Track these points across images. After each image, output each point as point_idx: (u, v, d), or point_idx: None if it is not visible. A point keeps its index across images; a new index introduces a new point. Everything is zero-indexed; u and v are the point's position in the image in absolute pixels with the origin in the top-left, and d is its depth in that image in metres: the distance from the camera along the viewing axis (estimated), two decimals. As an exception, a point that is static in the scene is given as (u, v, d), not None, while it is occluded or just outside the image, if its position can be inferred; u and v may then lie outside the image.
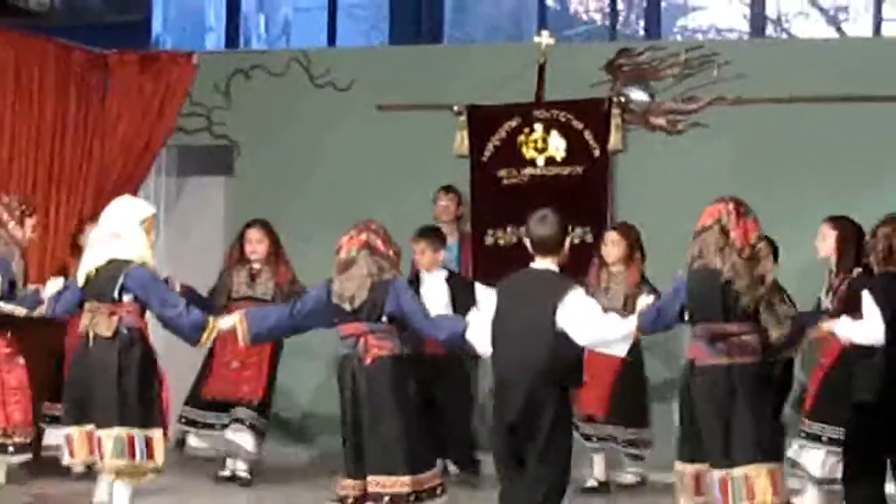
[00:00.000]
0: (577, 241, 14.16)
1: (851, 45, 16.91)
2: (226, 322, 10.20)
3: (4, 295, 10.67)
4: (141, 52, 16.41)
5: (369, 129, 15.37)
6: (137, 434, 9.96)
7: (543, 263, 9.35)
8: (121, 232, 10.17)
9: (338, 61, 16.02)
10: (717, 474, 9.33)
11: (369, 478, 9.82)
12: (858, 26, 18.71)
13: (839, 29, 19.48)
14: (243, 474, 12.75)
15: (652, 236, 12.56)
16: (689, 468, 9.58)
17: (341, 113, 15.50)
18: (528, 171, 14.70)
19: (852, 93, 14.11)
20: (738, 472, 9.33)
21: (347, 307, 9.85)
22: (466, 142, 14.85)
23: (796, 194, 13.43)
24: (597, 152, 14.58)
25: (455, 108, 14.93)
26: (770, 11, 18.67)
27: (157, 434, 10.11)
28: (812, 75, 14.35)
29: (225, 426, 12.70)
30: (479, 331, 9.66)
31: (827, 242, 11.52)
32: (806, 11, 19.81)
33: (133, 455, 9.94)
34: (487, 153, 14.82)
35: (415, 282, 12.29)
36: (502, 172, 14.76)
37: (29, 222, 11.51)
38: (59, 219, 14.65)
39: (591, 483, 12.79)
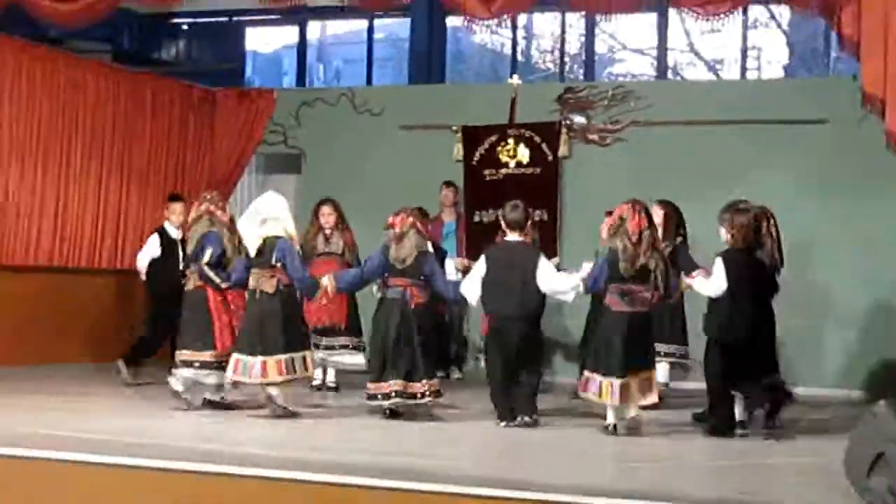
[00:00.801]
0: (536, 219, 14.29)
1: (725, 85, 16.87)
2: (323, 280, 10.26)
3: (213, 263, 10.37)
4: (238, 90, 16.44)
5: (395, 142, 15.39)
6: (297, 356, 9.94)
7: (515, 237, 10.04)
8: (279, 215, 10.08)
9: (373, 96, 16.01)
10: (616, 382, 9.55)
11: (394, 381, 9.95)
12: (730, 72, 18.61)
13: (716, 73, 19.37)
14: (332, 383, 12.67)
15: (589, 219, 12.51)
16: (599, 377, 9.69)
17: (376, 132, 15.53)
18: (504, 170, 14.59)
19: (726, 118, 14.12)
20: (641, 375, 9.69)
21: (399, 266, 10.09)
22: (461, 151, 14.77)
23: (686, 190, 13.32)
24: (550, 158, 14.47)
25: (454, 128, 14.83)
26: (670, 62, 18.56)
27: (308, 354, 10.14)
28: (698, 106, 14.39)
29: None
30: (469, 287, 10.08)
31: (657, 216, 11.35)
32: (694, 62, 19.69)
33: (293, 370, 9.93)
34: (476, 159, 14.71)
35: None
36: (486, 172, 14.65)
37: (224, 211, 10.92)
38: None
39: None
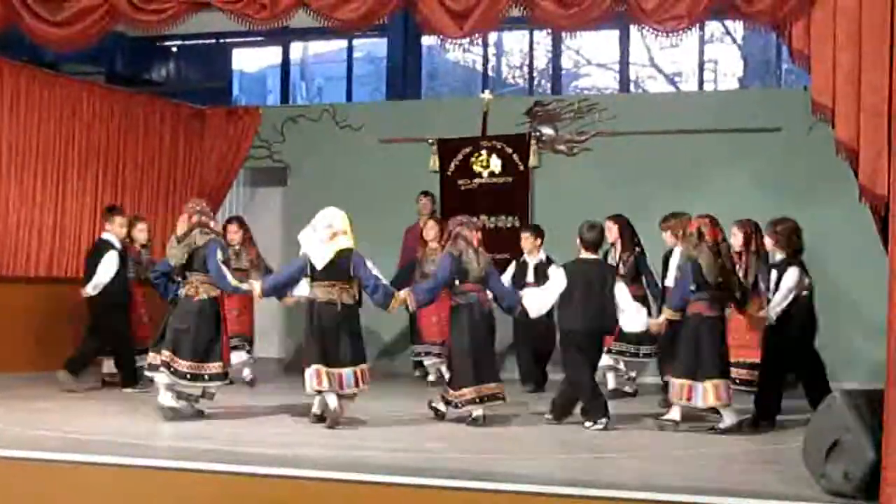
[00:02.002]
0: (508, 226, 14.34)
1: (684, 97, 16.89)
2: (401, 294, 9.89)
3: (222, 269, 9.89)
4: (225, 108, 16.38)
5: (375, 155, 15.31)
6: (363, 367, 9.69)
7: (591, 255, 9.98)
8: (346, 230, 9.73)
9: (353, 111, 15.96)
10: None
11: (472, 388, 9.76)
12: (688, 84, 18.63)
13: (675, 86, 19.38)
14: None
15: (559, 224, 12.49)
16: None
17: (356, 145, 15.46)
18: (478, 180, 14.68)
19: (685, 128, 14.15)
20: None
21: (474, 275, 9.84)
22: (437, 162, 14.83)
23: (649, 196, 13.33)
24: (521, 168, 14.56)
25: (430, 140, 14.90)
26: (631, 76, 18.59)
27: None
28: (659, 117, 14.38)
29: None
30: (539, 300, 10.03)
31: (612, 232, 11.69)
32: (654, 76, 19.71)
33: (363, 382, 9.69)
34: (451, 169, 14.78)
35: None
36: (461, 181, 14.73)
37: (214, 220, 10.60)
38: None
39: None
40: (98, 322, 12.00)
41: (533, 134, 14.66)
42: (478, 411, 9.78)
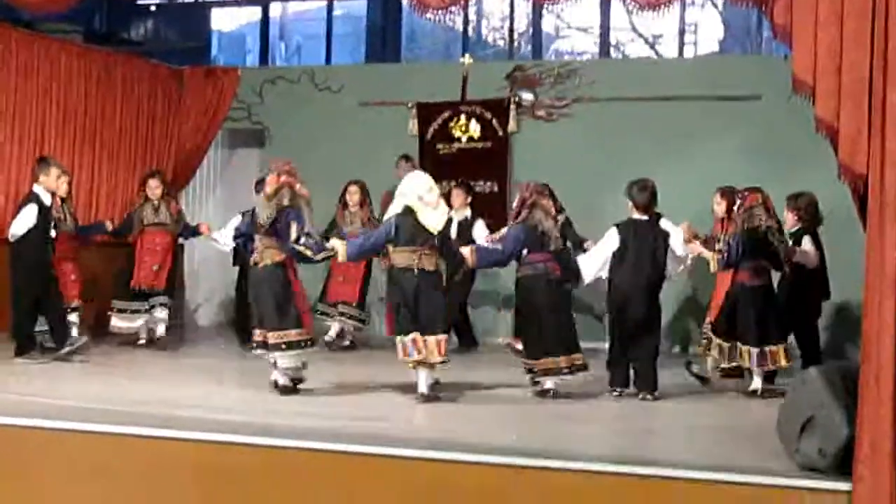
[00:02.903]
0: (487, 191, 14.31)
1: (663, 63, 16.92)
2: (464, 249, 9.78)
3: (299, 239, 9.36)
4: (204, 67, 16.28)
5: (354, 118, 15.20)
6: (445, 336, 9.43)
7: (642, 215, 9.91)
8: (423, 196, 9.35)
9: (332, 74, 15.87)
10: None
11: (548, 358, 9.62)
12: (668, 47, 18.63)
13: (655, 50, 19.38)
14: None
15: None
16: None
17: (336, 108, 15.34)
18: (457, 145, 14.66)
19: (665, 95, 14.09)
20: None
21: (549, 245, 9.69)
22: (417, 127, 14.78)
23: (628, 159, 13.33)
24: (500, 133, 14.53)
25: (409, 104, 14.85)
26: (612, 39, 18.58)
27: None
28: (638, 82, 14.32)
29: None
30: (592, 262, 9.95)
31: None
32: (634, 39, 19.70)
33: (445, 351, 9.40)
34: (430, 134, 14.75)
35: None
36: (440, 146, 14.71)
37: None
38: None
39: None
40: (17, 283, 11.42)
41: (512, 99, 14.60)
42: (549, 383, 9.67)
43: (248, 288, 10.11)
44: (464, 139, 14.61)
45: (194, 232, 12.85)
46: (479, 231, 12.33)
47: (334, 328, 13.04)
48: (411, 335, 9.17)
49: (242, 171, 15.94)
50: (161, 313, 12.71)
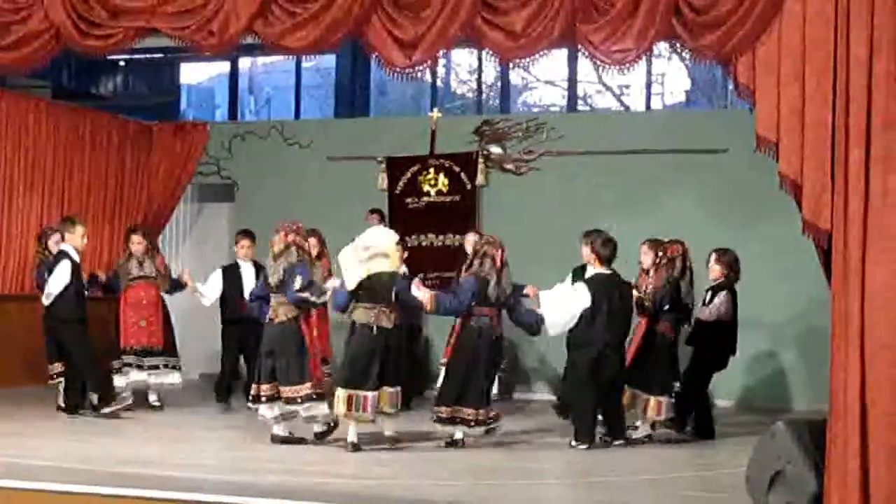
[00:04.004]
0: (455, 245, 14.32)
1: (631, 116, 17.07)
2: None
3: (304, 288, 9.74)
4: (173, 123, 16.32)
5: (323, 173, 15.28)
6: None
7: (607, 268, 10.19)
8: (388, 252, 9.67)
9: (301, 128, 16.00)
10: None
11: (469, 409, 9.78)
12: (636, 98, 18.76)
13: (622, 102, 19.51)
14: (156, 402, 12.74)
15: (506, 243, 12.43)
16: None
17: (304, 162, 15.45)
18: (425, 199, 14.68)
19: (633, 148, 14.20)
20: None
21: (494, 299, 9.77)
22: (386, 181, 14.82)
23: (596, 212, 13.36)
24: (469, 186, 14.57)
25: (378, 158, 14.89)
26: (580, 91, 18.69)
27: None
28: (606, 136, 14.46)
29: None
30: (560, 317, 10.05)
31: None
32: (602, 91, 19.81)
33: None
34: (399, 188, 14.77)
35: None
36: (409, 200, 14.73)
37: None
38: (122, 230, 14.50)
39: None
40: (61, 340, 11.72)
41: (481, 153, 14.68)
42: (458, 434, 9.78)
43: (249, 344, 10.91)
44: (433, 193, 14.65)
45: (179, 285, 12.76)
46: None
47: None
48: (346, 391, 9.50)
49: (212, 225, 15.99)
50: (171, 377, 12.54)
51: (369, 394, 9.45)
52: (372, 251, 9.65)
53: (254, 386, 10.01)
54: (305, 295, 9.79)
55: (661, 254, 10.62)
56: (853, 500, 6.48)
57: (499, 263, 9.83)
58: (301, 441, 9.88)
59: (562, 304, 10.11)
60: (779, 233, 12.47)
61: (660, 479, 8.86)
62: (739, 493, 7.28)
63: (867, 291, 6.57)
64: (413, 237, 13.79)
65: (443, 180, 14.64)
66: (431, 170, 14.67)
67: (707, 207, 13.55)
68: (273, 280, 9.89)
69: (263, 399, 9.85)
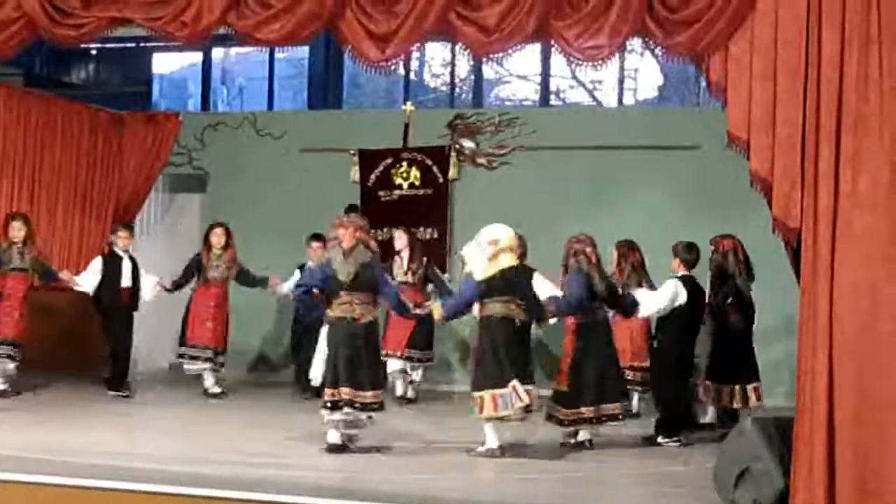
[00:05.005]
0: (428, 237, 14.34)
1: (603, 112, 17.07)
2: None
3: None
4: (145, 113, 16.24)
5: (295, 165, 15.19)
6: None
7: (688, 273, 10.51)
8: (512, 246, 9.50)
9: (274, 120, 15.90)
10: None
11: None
12: (608, 95, 18.79)
13: (595, 98, 19.53)
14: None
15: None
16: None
17: (276, 154, 15.34)
18: (398, 192, 14.69)
19: (604, 143, 14.22)
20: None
21: (600, 294, 9.73)
22: (358, 173, 14.82)
23: (567, 207, 13.51)
24: (441, 180, 14.59)
25: (351, 151, 14.88)
26: (552, 87, 18.73)
27: None
28: (578, 131, 14.45)
29: None
30: (651, 302, 10.25)
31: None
32: (575, 86, 19.82)
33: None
34: (371, 180, 14.77)
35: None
36: (381, 193, 14.74)
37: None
38: (92, 222, 14.46)
39: None
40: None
41: (453, 146, 14.68)
42: (585, 434, 9.77)
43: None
44: (405, 186, 14.66)
45: (52, 275, 12.63)
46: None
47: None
48: (512, 382, 9.16)
49: (184, 215, 15.94)
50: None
51: (515, 388, 9.15)
52: (500, 246, 9.46)
53: (329, 390, 9.23)
54: (405, 300, 9.87)
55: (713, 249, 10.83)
56: (819, 497, 6.53)
57: (594, 259, 9.83)
58: (366, 450, 9.42)
59: (660, 292, 10.29)
60: (750, 229, 12.54)
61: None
62: (706, 491, 7.32)
63: (835, 290, 6.63)
64: (385, 230, 13.76)
65: (415, 173, 14.65)
66: (404, 163, 14.68)
67: (679, 203, 13.58)
68: (344, 277, 9.30)
69: (342, 404, 9.13)
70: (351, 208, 13.90)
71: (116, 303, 12.59)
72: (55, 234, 14.31)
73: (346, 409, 9.11)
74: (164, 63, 20.68)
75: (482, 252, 9.51)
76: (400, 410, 11.67)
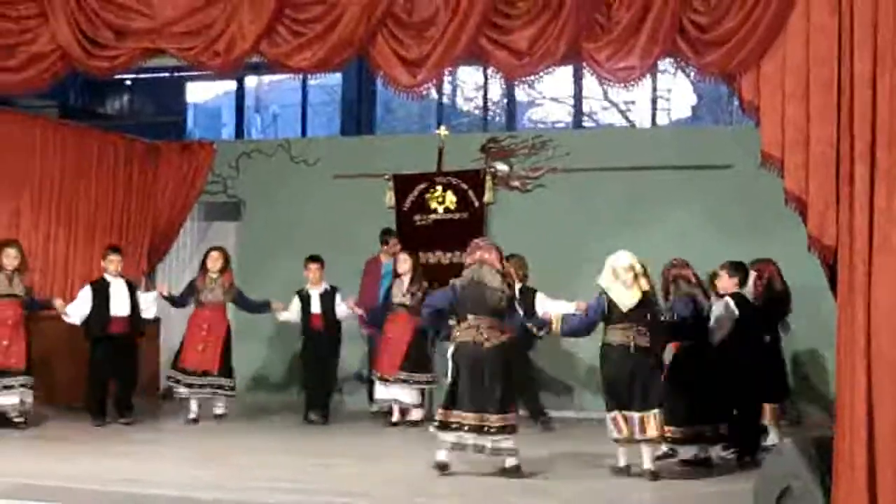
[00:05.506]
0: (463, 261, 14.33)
1: (636, 133, 17.05)
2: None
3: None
4: (180, 142, 16.35)
5: (330, 191, 15.28)
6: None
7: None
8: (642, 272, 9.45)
9: (308, 146, 15.97)
10: None
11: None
12: (641, 115, 18.76)
13: (628, 118, 19.51)
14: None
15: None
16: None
17: (311, 180, 15.43)
18: (433, 216, 14.71)
19: (637, 164, 14.23)
20: None
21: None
22: (393, 198, 14.86)
23: (601, 228, 13.53)
24: (476, 204, 14.60)
25: (385, 176, 14.92)
26: (585, 108, 18.74)
27: None
28: (611, 152, 14.46)
29: None
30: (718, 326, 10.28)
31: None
32: (607, 107, 19.82)
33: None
34: (407, 205, 14.80)
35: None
36: (416, 217, 14.77)
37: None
38: (130, 248, 14.53)
39: None
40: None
41: (488, 170, 14.71)
42: (692, 451, 9.91)
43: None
44: (440, 210, 14.68)
45: (41, 305, 12.60)
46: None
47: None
48: (615, 413, 9.26)
49: (219, 243, 15.95)
50: (8, 398, 12.08)
51: (636, 415, 9.19)
52: (635, 272, 9.42)
53: (455, 413, 9.25)
54: (529, 324, 9.88)
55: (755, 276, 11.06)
56: (861, 515, 6.49)
57: (693, 279, 10.06)
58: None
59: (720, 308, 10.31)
60: (786, 248, 12.51)
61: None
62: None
63: (872, 307, 6.60)
64: (421, 254, 13.79)
65: (450, 197, 14.68)
66: (439, 187, 14.71)
67: (713, 222, 13.56)
68: (493, 301, 9.35)
69: (466, 428, 9.16)
70: (387, 232, 14.01)
71: (105, 331, 12.50)
72: (93, 265, 14.40)
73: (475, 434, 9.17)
74: (198, 92, 20.82)
75: (618, 279, 9.41)
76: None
